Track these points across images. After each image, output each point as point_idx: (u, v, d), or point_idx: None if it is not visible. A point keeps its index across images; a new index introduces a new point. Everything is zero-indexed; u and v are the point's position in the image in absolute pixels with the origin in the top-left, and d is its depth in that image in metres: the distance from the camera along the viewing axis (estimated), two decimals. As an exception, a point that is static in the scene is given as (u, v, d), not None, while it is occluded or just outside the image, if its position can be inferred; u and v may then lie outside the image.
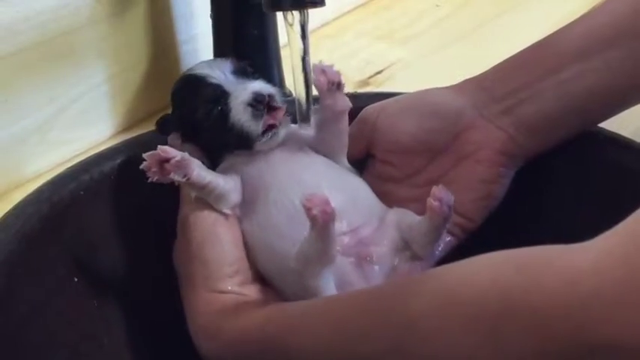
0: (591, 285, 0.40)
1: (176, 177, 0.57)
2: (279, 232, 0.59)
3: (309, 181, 0.61)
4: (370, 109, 0.67)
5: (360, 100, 0.75)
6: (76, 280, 0.62)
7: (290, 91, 0.84)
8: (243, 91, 0.59)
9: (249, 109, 0.59)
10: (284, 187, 0.60)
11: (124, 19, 0.81)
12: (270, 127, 0.60)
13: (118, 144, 0.70)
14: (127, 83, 0.83)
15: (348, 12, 1.11)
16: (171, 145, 0.59)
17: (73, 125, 0.79)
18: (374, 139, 0.66)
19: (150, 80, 0.85)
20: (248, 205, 0.61)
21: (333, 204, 0.54)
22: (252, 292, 0.60)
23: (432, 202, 0.58)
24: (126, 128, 0.83)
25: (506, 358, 0.44)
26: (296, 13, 0.61)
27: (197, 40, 0.88)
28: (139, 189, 0.59)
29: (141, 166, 0.57)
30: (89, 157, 0.68)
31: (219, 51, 0.83)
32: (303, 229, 0.55)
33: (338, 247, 0.57)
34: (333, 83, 0.60)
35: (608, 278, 0.40)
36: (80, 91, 0.79)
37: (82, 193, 0.64)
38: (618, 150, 0.66)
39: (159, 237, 0.63)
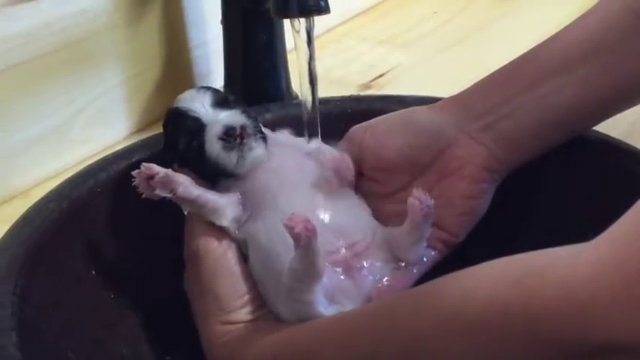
0: (587, 293, 0.40)
1: (162, 193, 0.57)
2: (284, 240, 0.56)
3: (315, 194, 0.60)
4: (357, 128, 0.66)
5: (364, 103, 0.75)
6: (93, 272, 0.62)
7: (296, 94, 0.83)
8: (215, 124, 0.59)
9: (221, 142, 0.58)
10: (292, 196, 0.59)
11: (140, 26, 0.81)
12: (236, 150, 0.59)
13: (133, 143, 0.69)
14: (142, 86, 0.83)
15: (351, 18, 1.11)
16: (172, 169, 0.58)
17: (91, 125, 0.79)
18: (361, 157, 0.65)
19: (164, 83, 0.84)
20: (254, 209, 0.60)
21: (338, 221, 0.54)
22: (262, 317, 0.58)
23: (411, 200, 0.57)
24: (141, 128, 0.83)
25: None
26: (302, 20, 0.61)
27: (208, 45, 0.88)
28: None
29: (132, 184, 0.57)
30: (106, 155, 0.67)
31: (229, 55, 0.83)
32: None
33: (326, 262, 0.56)
34: (348, 180, 0.62)
35: (603, 286, 0.40)
36: (98, 93, 0.79)
37: (99, 190, 0.64)
38: (607, 151, 0.65)
39: (171, 232, 0.63)
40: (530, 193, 0.67)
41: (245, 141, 0.59)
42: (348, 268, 0.58)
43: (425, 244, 0.60)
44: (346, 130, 0.66)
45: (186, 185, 0.58)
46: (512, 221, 0.66)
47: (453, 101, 0.66)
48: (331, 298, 0.56)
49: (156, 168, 0.57)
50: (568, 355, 0.42)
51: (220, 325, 0.58)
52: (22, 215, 0.61)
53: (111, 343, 0.61)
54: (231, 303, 0.58)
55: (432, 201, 0.57)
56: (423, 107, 0.67)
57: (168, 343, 0.64)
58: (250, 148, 0.59)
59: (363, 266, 0.59)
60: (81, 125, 0.78)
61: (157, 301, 0.65)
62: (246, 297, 0.59)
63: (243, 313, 0.58)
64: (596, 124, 0.65)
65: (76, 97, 0.77)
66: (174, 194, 0.57)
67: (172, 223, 0.62)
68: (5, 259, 0.56)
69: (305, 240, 0.52)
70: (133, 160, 0.66)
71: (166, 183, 0.57)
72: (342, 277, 0.58)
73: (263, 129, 0.61)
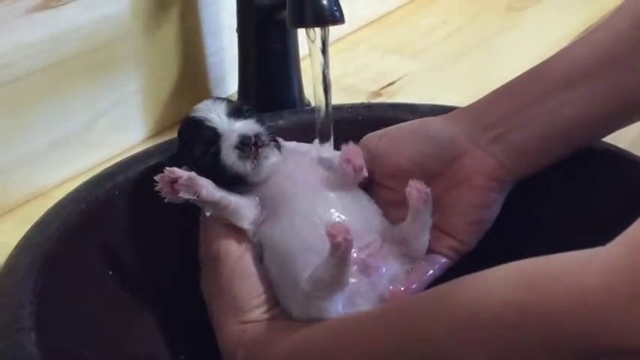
0: (600, 298, 0.40)
1: (186, 195, 0.56)
2: (301, 240, 0.57)
3: (331, 197, 0.60)
4: (371, 135, 0.66)
5: (375, 111, 0.74)
6: (110, 273, 0.62)
7: (309, 101, 0.83)
8: (231, 133, 0.58)
9: (237, 151, 0.58)
10: (308, 199, 0.59)
11: (158, 34, 0.81)
12: (252, 160, 0.59)
13: (150, 147, 0.69)
14: (160, 91, 0.83)
15: (362, 28, 1.10)
16: None
17: (110, 129, 0.78)
18: (374, 164, 0.64)
19: (180, 89, 0.84)
20: (269, 212, 0.59)
21: (351, 223, 0.54)
22: (278, 315, 0.58)
23: (409, 189, 0.58)
24: (158, 132, 0.83)
25: None
26: (317, 30, 0.61)
27: (223, 52, 0.88)
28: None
29: (155, 189, 0.57)
30: (124, 159, 0.67)
31: (244, 63, 0.83)
32: (323, 238, 0.54)
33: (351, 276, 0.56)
34: (358, 170, 0.60)
35: (616, 291, 0.39)
36: (117, 98, 0.79)
37: (117, 192, 0.64)
38: (615, 161, 0.65)
39: (187, 234, 0.63)
40: (538, 202, 0.66)
41: (260, 150, 0.58)
42: (364, 269, 0.58)
43: (429, 235, 0.60)
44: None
45: (209, 187, 0.57)
46: (519, 229, 0.65)
47: (465, 112, 0.65)
48: (348, 300, 0.56)
49: (179, 171, 0.57)
50: (581, 358, 0.41)
51: (238, 325, 0.58)
52: (42, 216, 0.60)
53: (126, 343, 0.61)
54: (248, 303, 0.58)
55: (429, 189, 0.58)
56: (436, 117, 0.66)
57: (182, 344, 0.64)
58: (265, 157, 0.59)
59: (379, 267, 0.58)
60: (100, 129, 0.77)
61: (172, 301, 0.64)
62: (263, 296, 0.58)
63: (260, 312, 0.58)
64: (603, 136, 0.64)
65: (97, 101, 0.77)
66: (197, 196, 0.57)
67: (187, 225, 0.62)
68: (25, 259, 0.56)
69: (343, 251, 0.52)
70: (150, 163, 0.66)
71: (190, 186, 0.57)
72: (358, 278, 0.57)
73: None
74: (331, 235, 0.52)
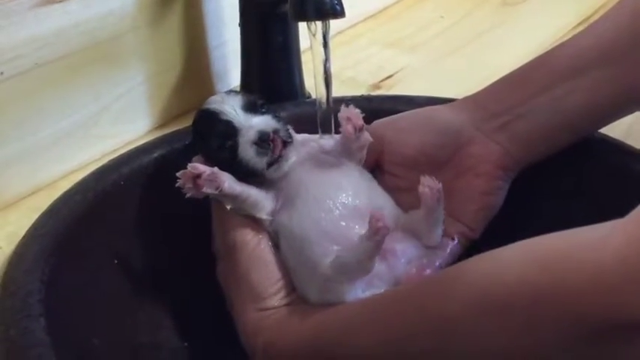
0: (616, 276, 0.40)
1: (209, 190, 0.56)
2: (317, 225, 0.57)
3: (345, 185, 0.60)
4: (379, 123, 0.66)
5: (375, 103, 0.74)
6: (115, 261, 0.62)
7: (310, 93, 0.83)
8: (249, 129, 0.58)
9: (255, 147, 0.58)
10: (324, 187, 0.59)
11: (162, 27, 0.80)
12: (274, 161, 0.59)
13: (155, 139, 0.69)
14: (164, 84, 0.82)
15: (361, 22, 1.10)
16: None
17: (115, 121, 0.78)
18: (382, 152, 0.65)
19: (184, 81, 0.84)
20: (285, 201, 0.59)
21: (363, 208, 0.56)
22: (295, 301, 0.58)
23: (422, 188, 0.58)
24: (162, 124, 0.83)
25: (545, 343, 0.43)
26: (319, 24, 0.61)
27: (226, 45, 0.88)
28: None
29: (177, 184, 0.56)
30: (129, 150, 0.67)
31: (246, 56, 0.82)
32: (339, 226, 0.55)
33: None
34: (358, 129, 0.59)
35: (632, 269, 0.39)
36: (122, 90, 0.78)
37: (122, 183, 0.64)
38: (609, 151, 0.65)
39: (191, 223, 0.63)
40: (535, 189, 0.66)
41: (282, 153, 0.58)
42: (382, 251, 0.58)
43: (442, 226, 0.60)
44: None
45: (230, 182, 0.57)
46: (520, 215, 0.65)
47: (471, 101, 0.65)
48: (366, 282, 0.56)
49: (202, 167, 0.56)
50: (597, 336, 0.41)
51: (257, 312, 0.58)
52: (49, 206, 0.61)
53: (131, 330, 0.61)
54: (266, 290, 0.58)
55: (440, 185, 0.58)
56: (443, 106, 0.67)
57: (186, 331, 0.64)
58: (287, 159, 0.59)
59: (395, 250, 0.59)
60: (106, 121, 0.77)
61: (176, 290, 0.64)
62: (280, 283, 0.58)
63: (278, 299, 0.58)
64: (605, 125, 0.65)
65: (101, 94, 0.76)
66: (220, 191, 0.57)
67: (192, 215, 0.62)
68: (33, 248, 0.56)
69: (380, 237, 0.53)
70: (155, 154, 0.66)
71: (213, 180, 0.56)
72: (377, 261, 0.57)
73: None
74: (375, 219, 0.52)
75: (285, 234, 0.59)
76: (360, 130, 0.60)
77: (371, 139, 0.61)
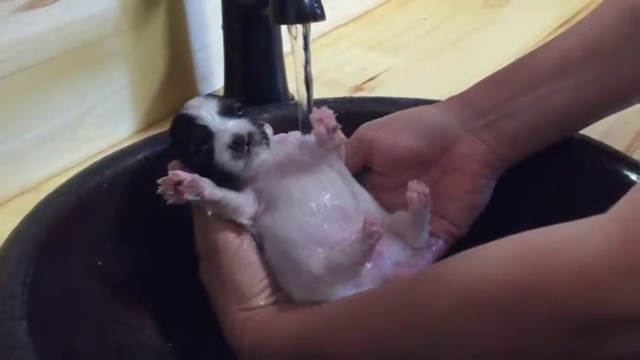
0: (597, 273, 0.40)
1: (190, 197, 0.56)
2: (300, 227, 0.57)
3: (328, 186, 0.60)
4: (367, 126, 0.66)
5: (357, 104, 0.74)
6: (99, 263, 0.61)
7: (292, 95, 0.83)
8: (224, 132, 0.58)
9: (230, 150, 0.58)
10: (306, 189, 0.59)
11: (145, 30, 0.80)
12: (242, 157, 0.58)
13: (138, 141, 0.69)
14: (147, 87, 0.82)
15: (344, 24, 1.10)
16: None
17: (99, 124, 0.78)
18: (371, 154, 0.65)
19: (167, 84, 0.84)
20: (267, 204, 0.59)
21: (347, 208, 0.56)
22: (280, 300, 0.58)
23: (410, 193, 0.58)
24: (146, 127, 0.83)
25: (532, 339, 0.44)
26: (299, 27, 0.61)
27: (210, 48, 0.88)
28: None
29: (157, 191, 0.56)
30: (113, 153, 0.67)
31: (229, 58, 0.82)
32: (323, 226, 0.55)
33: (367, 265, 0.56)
34: (330, 130, 0.59)
35: (612, 265, 0.40)
36: (106, 93, 0.78)
37: (106, 185, 0.63)
38: (588, 151, 0.66)
39: (174, 225, 0.62)
40: (518, 190, 0.66)
41: (251, 148, 0.58)
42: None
43: (428, 228, 0.61)
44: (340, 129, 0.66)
45: (211, 188, 0.57)
46: (503, 212, 0.65)
47: (457, 100, 0.66)
48: (355, 284, 0.56)
49: (183, 174, 0.56)
50: (582, 331, 0.42)
51: (242, 312, 0.58)
52: (33, 208, 0.60)
53: (115, 332, 0.61)
54: (251, 289, 0.58)
55: (428, 189, 0.58)
56: (429, 106, 0.67)
57: (170, 332, 0.64)
58: (257, 154, 0.58)
59: (382, 250, 0.59)
60: (89, 124, 0.77)
61: (160, 291, 0.64)
62: (264, 282, 0.58)
63: (263, 298, 0.58)
64: (590, 124, 0.65)
65: (85, 97, 0.76)
66: (201, 197, 0.57)
67: (175, 216, 0.61)
68: (16, 251, 0.56)
69: (374, 241, 0.53)
70: (138, 156, 0.66)
71: (194, 187, 0.56)
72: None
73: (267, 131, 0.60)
74: (368, 223, 0.53)
75: (269, 236, 0.59)
76: (333, 130, 0.59)
77: (345, 139, 0.61)
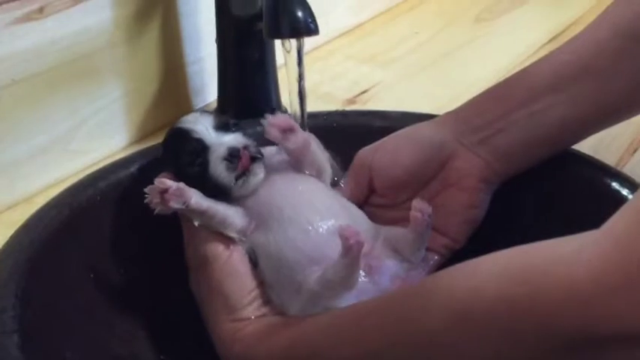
0: (589, 291, 0.40)
1: (176, 205, 0.56)
2: (294, 246, 0.57)
3: (318, 202, 0.59)
4: (366, 150, 0.66)
5: (350, 118, 0.74)
6: (92, 275, 0.61)
7: (286, 109, 0.83)
8: (219, 146, 0.58)
9: (225, 162, 0.58)
10: (297, 207, 0.59)
11: (139, 43, 0.80)
12: (241, 175, 0.58)
13: (132, 154, 0.69)
14: (140, 100, 0.82)
15: (336, 37, 1.10)
16: None
17: (92, 137, 0.78)
18: (372, 177, 0.65)
19: (161, 97, 0.84)
20: (259, 221, 0.59)
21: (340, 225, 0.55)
22: (270, 312, 0.58)
23: (414, 213, 0.58)
24: (139, 139, 0.82)
25: (522, 355, 0.44)
26: (293, 41, 0.61)
27: (204, 61, 0.88)
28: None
29: (145, 200, 0.56)
30: (106, 165, 0.67)
31: (223, 72, 0.82)
32: (316, 243, 0.55)
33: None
34: (284, 130, 0.59)
35: (605, 282, 0.39)
36: (99, 106, 0.78)
37: (98, 198, 0.63)
38: (578, 165, 0.66)
39: (167, 237, 0.62)
40: (510, 202, 0.66)
41: (250, 167, 0.58)
42: (367, 268, 0.58)
43: (426, 245, 0.60)
44: (333, 142, 0.66)
45: (197, 197, 0.57)
46: (495, 226, 0.65)
47: (452, 116, 0.66)
48: (356, 297, 0.56)
49: (169, 182, 0.56)
50: (574, 346, 0.42)
51: (231, 323, 0.57)
52: (25, 221, 0.60)
53: (108, 344, 0.60)
54: (240, 301, 0.58)
55: (431, 208, 0.58)
56: (425, 123, 0.67)
57: (162, 344, 0.63)
58: (255, 174, 0.59)
59: (380, 266, 0.59)
60: (82, 136, 0.77)
61: (153, 303, 0.64)
62: (254, 293, 0.58)
63: (252, 309, 0.58)
64: (584, 138, 0.65)
65: (79, 110, 0.76)
66: (186, 206, 0.56)
67: (167, 229, 0.61)
68: (8, 263, 0.56)
69: (355, 252, 0.52)
70: (131, 169, 0.65)
71: (180, 196, 0.56)
72: (363, 277, 0.57)
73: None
74: (344, 238, 0.52)
75: (263, 255, 0.59)
76: (289, 130, 0.59)
77: (308, 139, 0.61)
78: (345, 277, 0.54)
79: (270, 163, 0.61)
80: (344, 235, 0.52)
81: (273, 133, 0.59)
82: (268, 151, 0.62)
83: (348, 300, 0.56)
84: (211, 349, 0.59)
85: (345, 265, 0.53)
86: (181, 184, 0.56)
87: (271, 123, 0.59)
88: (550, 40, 1.06)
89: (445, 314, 0.46)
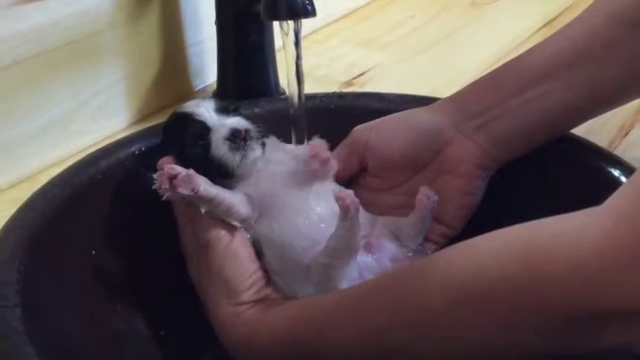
0: (593, 268, 0.40)
1: (185, 191, 0.56)
2: (297, 231, 0.57)
3: (318, 191, 0.60)
4: (360, 128, 0.65)
5: (347, 100, 0.74)
6: (93, 252, 0.61)
7: (284, 90, 0.83)
8: (222, 127, 0.58)
9: (227, 143, 0.58)
10: (298, 195, 0.59)
11: (140, 25, 0.80)
12: (238, 149, 0.58)
13: (132, 134, 0.69)
14: (141, 81, 0.82)
15: (334, 21, 1.10)
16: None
17: (93, 117, 0.78)
18: (366, 156, 0.64)
19: (161, 78, 0.84)
20: (264, 212, 0.59)
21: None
22: (270, 294, 0.58)
23: (420, 197, 0.59)
24: (139, 120, 0.82)
25: (525, 333, 0.44)
26: (291, 23, 0.61)
27: (203, 43, 0.88)
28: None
29: (153, 187, 0.56)
30: (107, 145, 0.67)
31: (222, 54, 0.82)
32: (319, 228, 0.55)
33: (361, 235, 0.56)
34: (324, 163, 0.59)
35: (609, 260, 0.40)
36: (100, 87, 0.78)
37: (99, 177, 0.63)
38: (573, 148, 0.65)
39: (168, 217, 0.62)
40: (506, 186, 0.66)
41: (248, 142, 0.58)
42: (367, 246, 0.58)
43: (425, 230, 0.61)
44: (330, 124, 0.66)
45: (205, 185, 0.57)
46: (491, 210, 0.65)
47: (449, 102, 0.65)
48: (359, 275, 0.57)
49: (178, 168, 0.56)
50: (576, 323, 0.42)
51: (232, 307, 0.57)
52: (28, 199, 0.60)
53: (108, 319, 0.61)
54: (241, 284, 0.57)
55: (436, 197, 0.59)
56: (423, 108, 0.66)
57: (162, 320, 0.64)
58: (252, 149, 0.59)
59: (379, 243, 0.59)
60: (83, 117, 0.77)
61: (152, 280, 0.64)
62: (254, 276, 0.58)
63: (252, 292, 0.57)
64: (580, 124, 0.65)
65: (79, 91, 0.76)
66: (195, 192, 0.56)
67: (168, 209, 0.61)
68: (11, 239, 0.56)
69: (353, 212, 0.53)
70: (132, 149, 0.65)
71: (189, 182, 0.56)
72: (363, 255, 0.58)
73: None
74: (339, 199, 0.53)
75: (268, 243, 0.59)
76: (325, 163, 0.60)
77: (336, 168, 0.61)
78: (348, 240, 0.54)
79: (271, 156, 0.61)
80: (339, 197, 0.53)
81: (315, 166, 0.59)
82: (276, 144, 0.62)
83: (351, 280, 0.56)
84: (211, 324, 0.59)
85: (346, 228, 0.54)
86: (191, 171, 0.56)
87: (313, 154, 0.59)
88: (546, 24, 1.06)
89: (447, 293, 0.46)
